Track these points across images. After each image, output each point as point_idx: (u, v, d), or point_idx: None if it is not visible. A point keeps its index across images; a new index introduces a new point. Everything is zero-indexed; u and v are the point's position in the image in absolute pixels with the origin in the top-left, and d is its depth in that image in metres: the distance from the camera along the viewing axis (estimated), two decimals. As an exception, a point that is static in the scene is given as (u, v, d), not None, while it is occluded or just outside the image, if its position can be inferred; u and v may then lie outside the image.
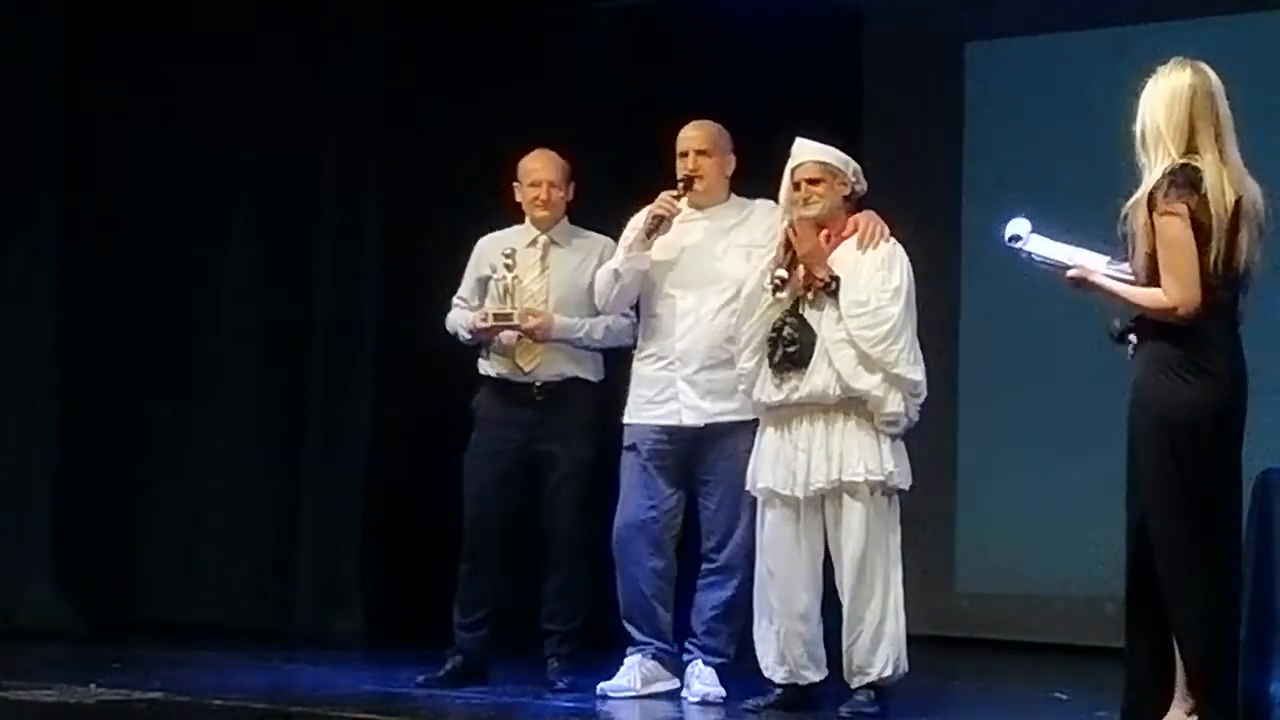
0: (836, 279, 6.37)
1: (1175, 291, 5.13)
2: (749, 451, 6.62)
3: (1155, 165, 5.18)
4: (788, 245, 6.47)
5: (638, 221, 6.93)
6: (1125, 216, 5.25)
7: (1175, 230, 5.11)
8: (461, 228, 7.33)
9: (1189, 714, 5.23)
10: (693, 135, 6.94)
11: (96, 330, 9.53)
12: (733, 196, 6.98)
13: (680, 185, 6.86)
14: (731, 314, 6.69)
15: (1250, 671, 5.68)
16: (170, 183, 9.69)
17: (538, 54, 9.60)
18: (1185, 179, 5.13)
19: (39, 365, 9.17)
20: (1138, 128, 5.25)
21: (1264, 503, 5.77)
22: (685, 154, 6.89)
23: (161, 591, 9.53)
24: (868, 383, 6.32)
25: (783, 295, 6.45)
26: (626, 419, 6.92)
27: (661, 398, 6.84)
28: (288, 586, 9.48)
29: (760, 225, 6.80)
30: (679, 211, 6.83)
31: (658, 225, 6.79)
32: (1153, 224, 5.14)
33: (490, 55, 9.53)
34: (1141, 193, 5.18)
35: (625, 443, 6.91)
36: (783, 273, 6.44)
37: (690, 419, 6.79)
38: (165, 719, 6.27)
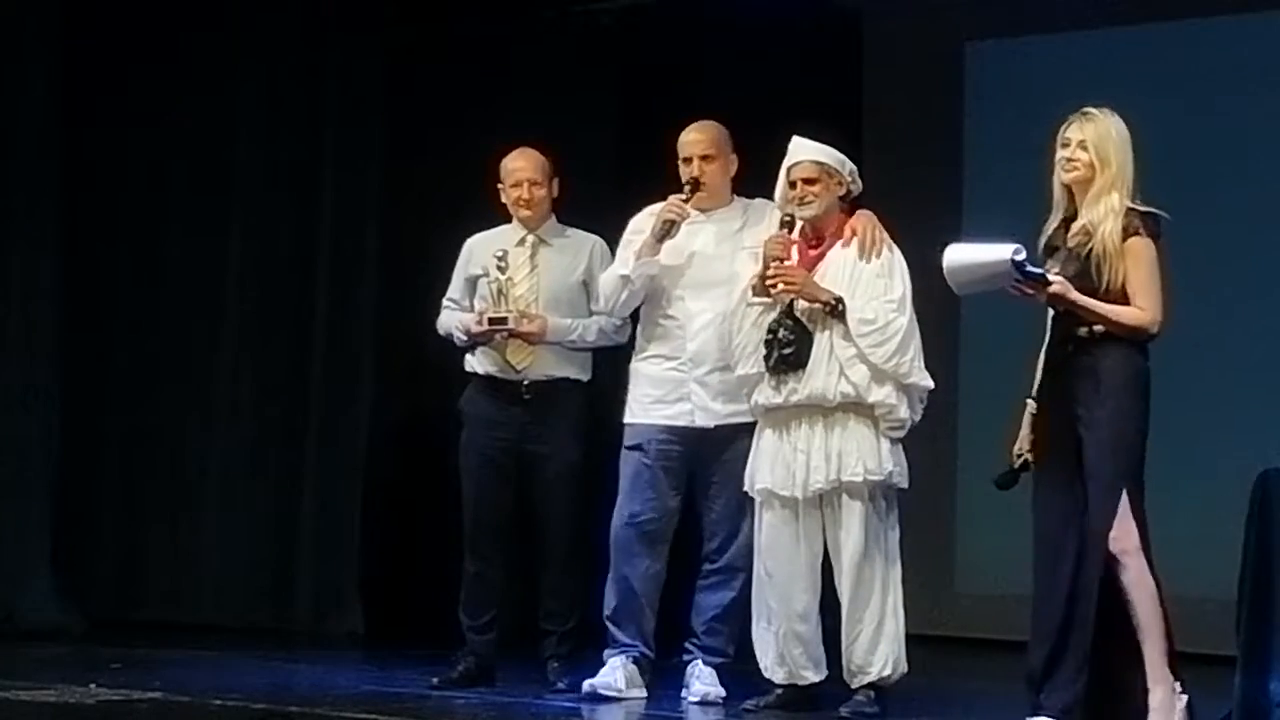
0: (840, 300, 6.34)
1: (1154, 310, 5.52)
2: None
3: (1106, 197, 5.51)
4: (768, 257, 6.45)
5: (639, 224, 6.90)
6: (1051, 234, 5.63)
7: (1155, 256, 5.52)
8: (461, 229, 7.31)
9: None
10: (696, 140, 6.84)
11: (96, 330, 9.54)
12: (735, 198, 6.94)
13: (686, 189, 6.77)
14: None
15: (1250, 671, 5.68)
16: (170, 182, 9.69)
17: (538, 54, 9.59)
18: (1155, 223, 5.53)
19: (39, 364, 9.17)
20: (1090, 159, 5.56)
21: (1264, 503, 5.77)
22: (689, 159, 6.80)
23: (161, 591, 9.52)
24: (881, 394, 6.33)
25: (760, 300, 6.43)
26: (630, 419, 6.87)
27: (672, 398, 6.79)
28: (287, 586, 9.48)
29: (765, 226, 6.74)
30: (688, 215, 6.76)
31: (668, 230, 6.72)
32: (1121, 247, 5.49)
33: (490, 55, 9.52)
34: (1112, 221, 5.50)
35: (628, 442, 6.85)
36: (755, 281, 6.43)
37: (702, 420, 6.75)
38: (165, 719, 6.27)
